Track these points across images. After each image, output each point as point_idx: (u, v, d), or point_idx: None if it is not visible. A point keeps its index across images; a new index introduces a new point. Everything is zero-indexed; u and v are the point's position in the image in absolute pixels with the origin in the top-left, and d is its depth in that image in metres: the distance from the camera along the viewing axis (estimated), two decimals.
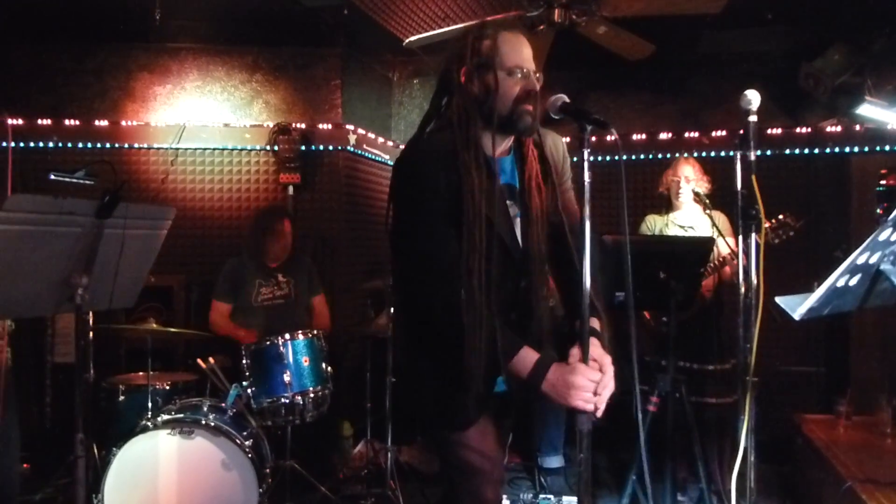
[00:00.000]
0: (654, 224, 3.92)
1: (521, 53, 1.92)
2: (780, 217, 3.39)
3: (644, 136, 5.26)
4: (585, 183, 1.69)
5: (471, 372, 1.80)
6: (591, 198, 1.68)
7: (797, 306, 1.47)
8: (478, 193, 1.82)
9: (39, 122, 4.76)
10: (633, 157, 5.22)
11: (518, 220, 1.98)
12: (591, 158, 1.69)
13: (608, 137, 1.67)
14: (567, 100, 1.82)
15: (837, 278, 1.43)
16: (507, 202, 1.96)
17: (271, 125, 4.86)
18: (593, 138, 1.70)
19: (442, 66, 2.02)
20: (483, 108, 1.90)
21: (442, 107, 1.99)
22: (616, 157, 5.17)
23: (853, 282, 1.47)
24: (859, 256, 1.43)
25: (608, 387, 1.75)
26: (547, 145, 2.04)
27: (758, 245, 2.22)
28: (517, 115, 1.88)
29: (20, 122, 4.69)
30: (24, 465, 4.21)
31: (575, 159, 2.40)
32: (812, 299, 1.44)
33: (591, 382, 1.71)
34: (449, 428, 1.97)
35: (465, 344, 1.79)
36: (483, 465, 1.97)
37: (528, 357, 1.78)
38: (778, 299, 1.65)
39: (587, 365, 1.73)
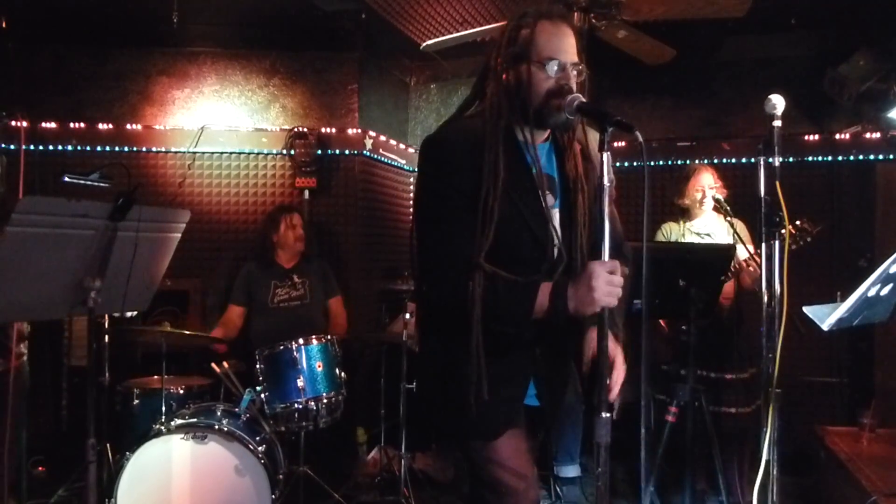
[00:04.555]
0: (671, 232, 3.87)
1: (557, 45, 1.81)
2: (798, 223, 3.34)
3: (664, 142, 5.19)
4: (605, 186, 1.65)
5: (476, 368, 1.76)
6: (628, 204, 1.65)
7: (825, 317, 1.41)
8: (499, 180, 1.76)
9: (59, 125, 4.78)
10: (653, 163, 5.15)
11: (556, 212, 1.89)
12: (645, 163, 1.65)
13: (636, 140, 1.61)
14: (583, 99, 1.75)
15: (868, 288, 1.38)
16: (542, 192, 1.86)
17: (288, 129, 4.85)
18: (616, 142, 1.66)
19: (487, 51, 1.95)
20: (516, 99, 1.83)
21: (482, 92, 1.93)
22: (635, 164, 5.13)
23: (885, 291, 1.41)
24: (891, 265, 1.37)
25: (621, 375, 1.71)
26: (590, 142, 1.94)
27: (781, 253, 2.16)
28: (547, 111, 1.80)
29: (40, 125, 4.71)
30: (40, 468, 4.23)
31: None
32: (842, 309, 1.39)
33: (611, 274, 1.64)
34: (477, 437, 1.88)
35: (471, 337, 1.74)
36: (517, 485, 1.87)
37: (544, 288, 1.73)
38: (806, 309, 1.59)
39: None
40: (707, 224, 3.79)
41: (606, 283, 1.63)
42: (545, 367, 1.94)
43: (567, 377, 2.04)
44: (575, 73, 1.83)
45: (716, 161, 4.81)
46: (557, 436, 4.29)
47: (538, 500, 2.03)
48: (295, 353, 3.54)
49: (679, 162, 5.03)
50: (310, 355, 3.59)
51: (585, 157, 1.94)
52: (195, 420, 3.28)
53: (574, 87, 1.81)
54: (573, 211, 1.90)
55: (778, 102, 2.19)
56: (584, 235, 1.89)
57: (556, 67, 1.79)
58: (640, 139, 1.62)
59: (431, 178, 1.85)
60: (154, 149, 4.87)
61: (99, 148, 4.80)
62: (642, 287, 1.72)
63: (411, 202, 1.85)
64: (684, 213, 3.88)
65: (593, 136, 1.94)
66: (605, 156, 1.64)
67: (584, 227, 1.90)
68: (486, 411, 1.82)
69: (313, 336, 3.66)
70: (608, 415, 1.65)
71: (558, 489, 4.16)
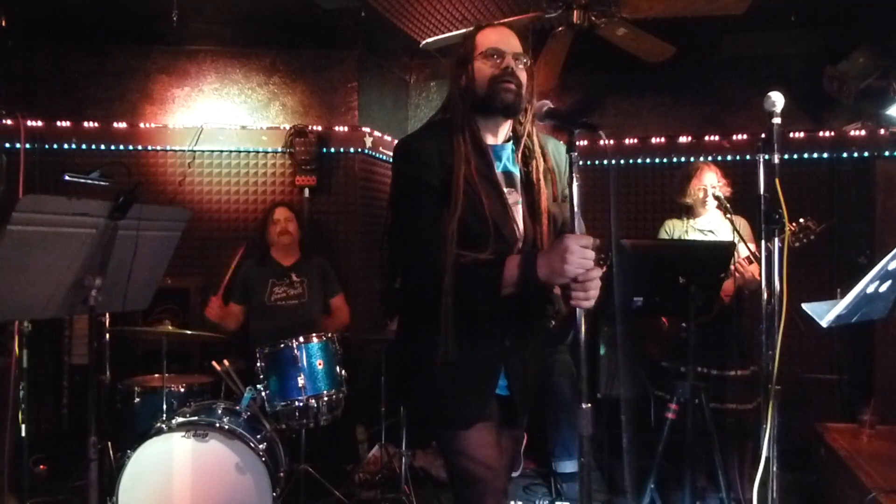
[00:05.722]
0: (674, 229, 3.87)
1: (494, 39, 1.97)
2: (801, 221, 3.34)
3: (664, 140, 5.19)
4: (574, 187, 1.74)
5: (447, 338, 1.83)
6: (604, 202, 1.67)
7: (824, 313, 1.42)
8: (461, 176, 1.87)
9: (59, 123, 4.78)
10: (652, 160, 5.16)
11: (519, 209, 2.00)
12: (610, 162, 1.68)
13: (601, 142, 1.70)
14: (551, 105, 1.86)
15: (867, 284, 1.38)
16: (506, 189, 1.98)
17: (288, 127, 4.85)
18: (599, 142, 1.70)
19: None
20: (468, 95, 1.96)
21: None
22: (632, 161, 5.14)
23: (883, 288, 1.41)
24: (890, 262, 1.38)
25: (595, 282, 1.73)
26: (549, 149, 2.07)
27: (780, 250, 2.16)
28: (494, 93, 1.92)
29: (40, 123, 4.71)
30: (41, 467, 4.24)
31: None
32: (840, 306, 1.39)
33: (583, 248, 1.70)
34: (446, 427, 1.97)
35: (441, 310, 1.82)
36: (483, 475, 1.95)
37: (511, 261, 1.81)
38: (805, 306, 1.60)
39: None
40: (711, 221, 3.78)
41: (579, 256, 1.69)
42: (514, 360, 2.02)
43: (536, 369, 2.12)
44: (521, 66, 1.96)
45: (716, 158, 4.81)
46: (555, 432, 4.30)
47: (506, 491, 2.13)
48: (295, 350, 3.55)
49: (679, 160, 5.04)
50: (310, 353, 3.59)
51: (545, 158, 2.04)
52: (196, 418, 3.28)
53: (520, 75, 1.95)
54: (536, 208, 1.99)
55: (777, 100, 2.19)
56: (547, 232, 1.99)
57: (495, 55, 1.94)
58: (605, 139, 1.75)
59: (404, 176, 1.97)
60: (154, 147, 4.87)
61: (99, 146, 4.80)
62: (640, 285, 1.73)
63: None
64: (688, 211, 3.87)
65: (552, 145, 2.08)
66: (572, 156, 1.74)
67: (549, 224, 2.00)
68: (456, 402, 1.93)
69: (314, 334, 3.66)
70: (588, 405, 1.71)
71: (558, 486, 4.17)
